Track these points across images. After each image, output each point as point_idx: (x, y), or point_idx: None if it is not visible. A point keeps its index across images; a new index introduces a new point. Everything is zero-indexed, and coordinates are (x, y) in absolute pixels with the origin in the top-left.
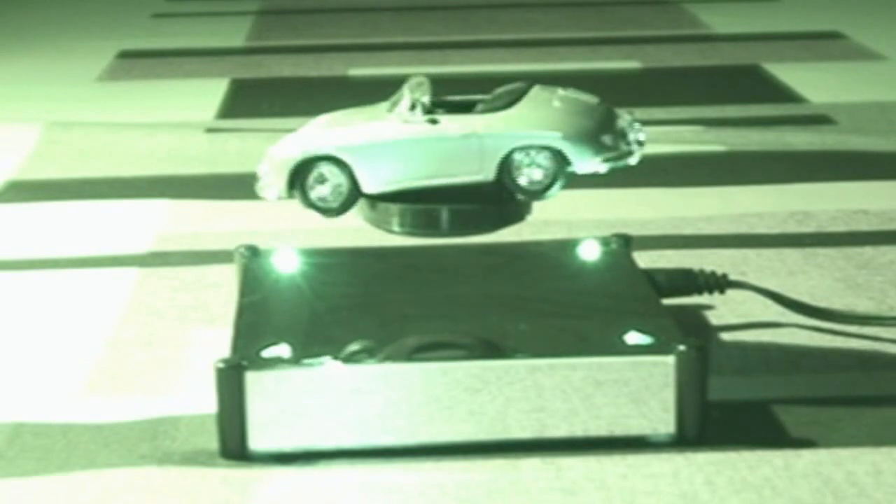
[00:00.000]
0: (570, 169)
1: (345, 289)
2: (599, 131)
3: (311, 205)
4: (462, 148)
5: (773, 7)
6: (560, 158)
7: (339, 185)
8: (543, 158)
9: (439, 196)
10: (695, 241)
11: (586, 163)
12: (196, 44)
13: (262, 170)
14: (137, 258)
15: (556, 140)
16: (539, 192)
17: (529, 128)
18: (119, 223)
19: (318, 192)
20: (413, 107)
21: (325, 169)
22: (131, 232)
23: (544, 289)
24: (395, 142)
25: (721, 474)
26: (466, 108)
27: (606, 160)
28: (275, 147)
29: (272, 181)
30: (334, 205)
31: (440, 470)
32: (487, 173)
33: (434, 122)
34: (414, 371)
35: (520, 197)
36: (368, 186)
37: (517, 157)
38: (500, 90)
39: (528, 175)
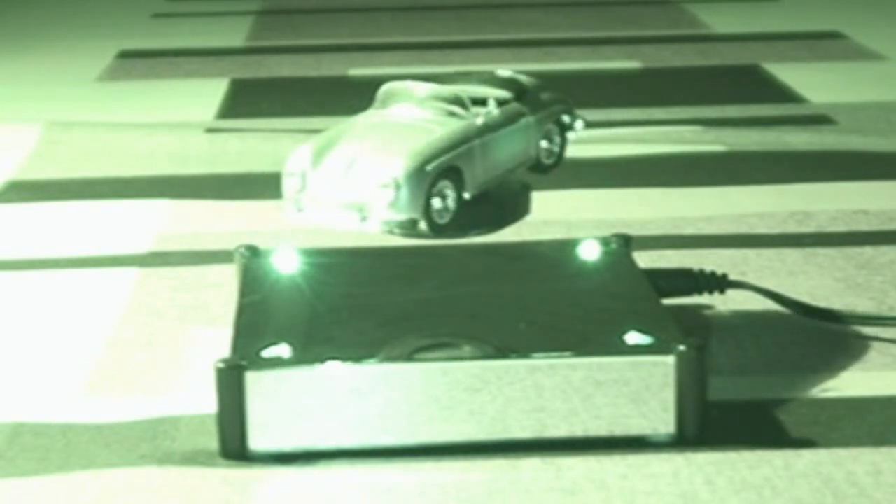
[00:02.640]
0: (569, 134)
1: (345, 289)
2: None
3: (431, 223)
4: (524, 134)
5: (773, 7)
6: (563, 127)
7: (449, 196)
8: (555, 130)
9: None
10: (695, 241)
11: (578, 125)
12: (196, 44)
13: (370, 197)
14: (137, 258)
15: (563, 112)
16: (558, 161)
17: (549, 106)
18: (119, 223)
19: (437, 208)
20: (484, 102)
21: (443, 182)
22: (131, 232)
23: (544, 289)
24: (491, 139)
25: (721, 474)
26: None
27: (583, 121)
28: (384, 169)
29: (399, 205)
30: (449, 218)
31: (440, 470)
32: (534, 153)
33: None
34: (414, 371)
35: (542, 170)
36: (469, 190)
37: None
38: (470, 81)
39: (551, 147)
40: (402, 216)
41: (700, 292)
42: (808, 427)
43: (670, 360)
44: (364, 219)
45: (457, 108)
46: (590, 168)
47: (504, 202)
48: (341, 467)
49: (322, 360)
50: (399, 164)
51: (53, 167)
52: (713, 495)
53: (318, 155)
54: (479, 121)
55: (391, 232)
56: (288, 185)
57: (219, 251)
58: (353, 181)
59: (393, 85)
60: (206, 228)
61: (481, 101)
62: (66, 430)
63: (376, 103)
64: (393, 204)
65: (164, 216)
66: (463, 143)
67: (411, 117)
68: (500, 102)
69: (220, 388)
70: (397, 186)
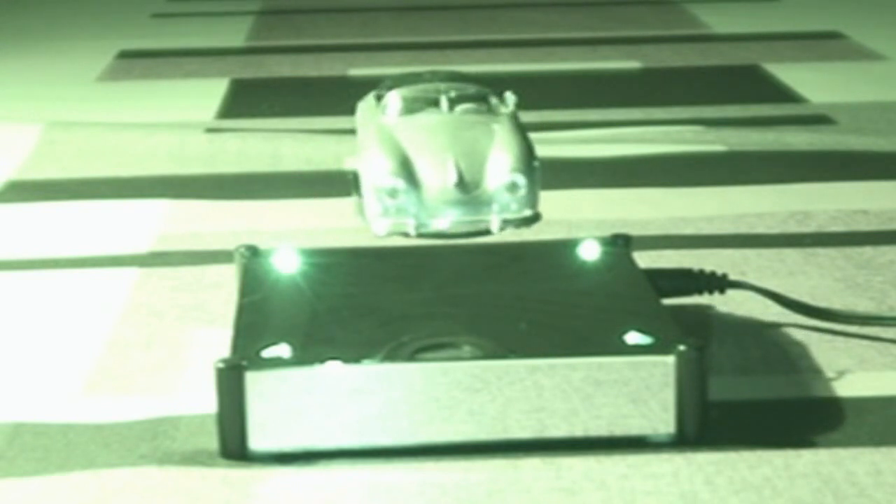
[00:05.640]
0: None
1: (345, 289)
2: None
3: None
4: None
5: (773, 7)
6: None
7: None
8: None
9: None
10: (695, 241)
11: None
12: (196, 44)
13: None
14: (137, 258)
15: None
16: None
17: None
18: (119, 223)
19: None
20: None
21: None
22: (131, 232)
23: (544, 289)
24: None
25: (721, 474)
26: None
27: None
28: (501, 171)
29: (526, 203)
30: None
31: (440, 470)
32: None
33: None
34: (414, 371)
35: None
36: None
37: None
38: (433, 79)
39: None
40: (530, 212)
41: (700, 292)
42: (808, 427)
43: (670, 360)
44: (504, 221)
45: (481, 106)
46: (590, 168)
47: None
48: (341, 467)
49: (322, 360)
50: (514, 163)
51: (53, 167)
52: (713, 495)
53: (404, 168)
54: (511, 113)
55: (505, 228)
56: (391, 204)
57: (219, 251)
58: (470, 188)
59: (406, 90)
60: (206, 228)
61: (466, 99)
62: (66, 430)
63: (393, 108)
64: (521, 202)
65: (164, 216)
66: (528, 135)
67: (461, 118)
68: (482, 97)
69: (220, 388)
70: (525, 185)
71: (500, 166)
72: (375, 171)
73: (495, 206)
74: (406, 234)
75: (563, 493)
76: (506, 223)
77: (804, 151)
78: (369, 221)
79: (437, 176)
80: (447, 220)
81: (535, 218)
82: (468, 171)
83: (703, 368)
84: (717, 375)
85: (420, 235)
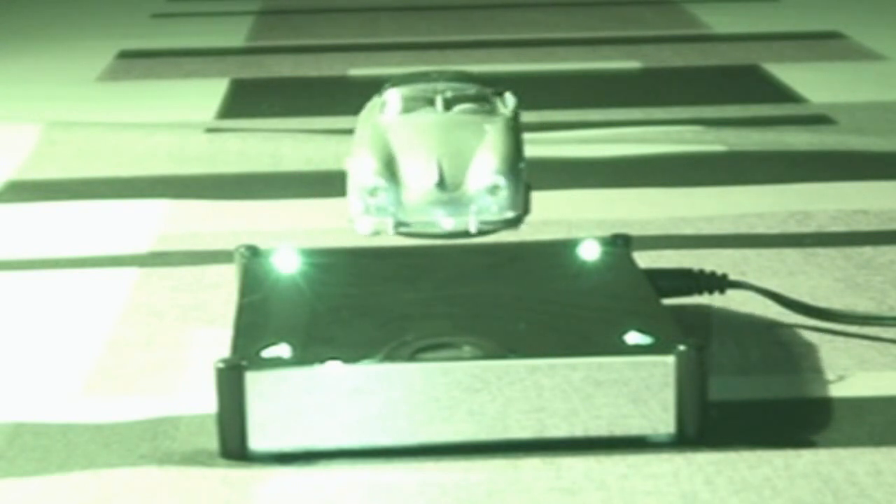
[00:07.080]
0: None
1: (345, 289)
2: None
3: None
4: None
5: (773, 7)
6: None
7: None
8: None
9: None
10: (695, 241)
11: None
12: (196, 44)
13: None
14: (137, 258)
15: None
16: None
17: None
18: (119, 223)
19: None
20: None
21: None
22: (131, 232)
23: (544, 289)
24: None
25: (721, 474)
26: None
27: None
28: (484, 172)
29: (509, 204)
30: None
31: (440, 470)
32: None
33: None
34: (414, 371)
35: None
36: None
37: None
38: (436, 79)
39: None
40: (511, 214)
41: (700, 292)
42: (808, 427)
43: (670, 360)
44: (481, 222)
45: (480, 106)
46: (590, 168)
47: None
48: (341, 467)
49: (322, 360)
50: (498, 164)
51: (53, 167)
52: (713, 495)
53: (388, 167)
54: (509, 115)
55: (487, 231)
56: (372, 202)
57: (219, 251)
58: (451, 188)
59: (406, 89)
60: (206, 228)
61: (464, 99)
62: (66, 430)
63: (391, 106)
64: (502, 204)
65: (164, 216)
66: (519, 138)
67: (453, 118)
68: (481, 97)
69: (220, 388)
70: (507, 187)
71: (483, 168)
72: (360, 169)
73: (474, 208)
74: (386, 233)
75: (563, 493)
76: (484, 225)
77: (804, 151)
78: (353, 220)
79: (420, 176)
80: (425, 219)
81: (516, 220)
82: (452, 171)
83: (703, 368)
84: (717, 375)
85: (398, 234)
